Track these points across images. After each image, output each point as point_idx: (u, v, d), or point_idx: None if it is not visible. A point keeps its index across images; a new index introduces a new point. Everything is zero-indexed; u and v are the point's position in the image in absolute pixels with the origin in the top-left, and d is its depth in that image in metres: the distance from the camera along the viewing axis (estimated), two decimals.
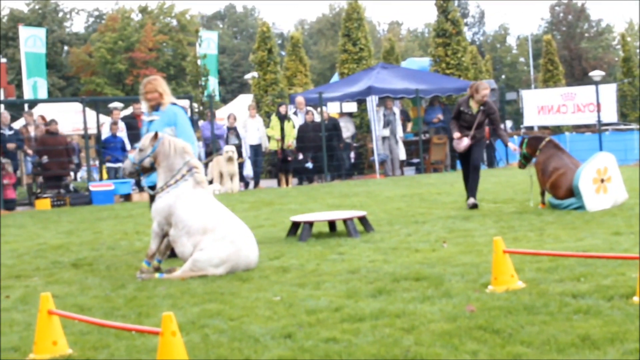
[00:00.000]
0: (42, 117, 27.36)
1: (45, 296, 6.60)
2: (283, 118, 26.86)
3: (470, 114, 15.73)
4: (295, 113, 28.48)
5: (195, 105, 28.64)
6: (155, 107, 11.44)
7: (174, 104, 11.65)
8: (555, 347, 5.86)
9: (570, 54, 72.35)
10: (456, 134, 15.76)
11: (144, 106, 11.58)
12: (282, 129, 26.70)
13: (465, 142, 15.65)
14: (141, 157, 10.45)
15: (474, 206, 15.41)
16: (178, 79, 74.65)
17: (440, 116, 30.28)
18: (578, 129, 36.71)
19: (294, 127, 26.98)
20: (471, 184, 15.68)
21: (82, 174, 28.16)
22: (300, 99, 28.92)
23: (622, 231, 11.31)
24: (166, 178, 10.27)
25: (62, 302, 8.56)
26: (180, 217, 9.97)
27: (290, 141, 26.69)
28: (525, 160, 15.86)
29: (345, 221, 12.77)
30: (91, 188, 23.47)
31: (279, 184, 27.02)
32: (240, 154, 25.94)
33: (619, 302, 7.02)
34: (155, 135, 10.44)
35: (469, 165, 15.85)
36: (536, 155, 15.39)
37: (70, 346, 6.68)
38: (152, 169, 10.53)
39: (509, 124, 35.80)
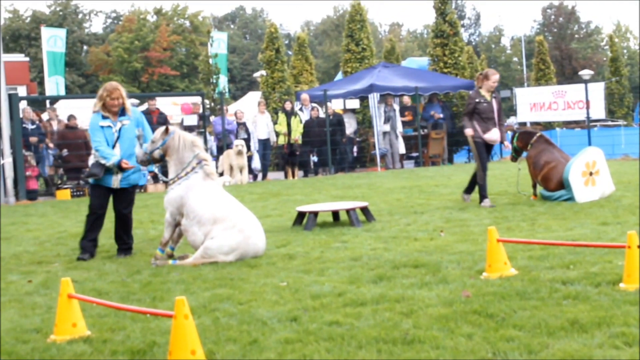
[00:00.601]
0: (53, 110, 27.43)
1: (65, 281, 6.62)
2: (289, 114, 26.87)
3: (486, 102, 14.75)
4: (300, 109, 28.46)
5: (207, 101, 28.63)
6: (119, 112, 11.08)
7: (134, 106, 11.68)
8: (546, 330, 5.86)
9: (561, 54, 72.16)
10: (469, 131, 14.77)
11: (98, 108, 10.98)
12: (288, 125, 26.72)
13: (496, 131, 14.77)
14: (152, 148, 10.50)
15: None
16: (191, 77, 74.63)
17: (437, 114, 30.22)
18: (568, 124, 36.69)
19: (300, 122, 26.97)
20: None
21: None
22: (305, 96, 28.89)
23: (609, 221, 11.32)
24: (177, 170, 10.30)
25: (81, 286, 8.59)
26: (192, 207, 9.99)
27: (297, 136, 26.69)
28: (515, 154, 15.85)
29: (348, 211, 12.78)
30: None
31: (286, 176, 27.01)
32: (249, 148, 25.93)
33: (606, 288, 7.02)
34: (167, 130, 10.49)
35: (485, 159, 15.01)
36: (527, 149, 15.38)
37: (89, 328, 6.70)
38: (161, 160, 10.59)
39: (513, 119, 35.68)
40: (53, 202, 21.75)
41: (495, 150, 31.26)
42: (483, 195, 14.59)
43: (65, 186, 23.62)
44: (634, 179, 17.60)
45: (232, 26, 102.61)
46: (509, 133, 18.56)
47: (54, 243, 12.70)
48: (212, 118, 28.25)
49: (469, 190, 15.33)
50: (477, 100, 14.83)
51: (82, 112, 26.56)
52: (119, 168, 10.91)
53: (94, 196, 11.31)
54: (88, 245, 11.14)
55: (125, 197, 11.35)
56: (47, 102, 34.73)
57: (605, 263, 8.09)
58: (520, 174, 15.57)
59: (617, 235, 9.94)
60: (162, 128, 10.62)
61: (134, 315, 6.99)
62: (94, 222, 11.28)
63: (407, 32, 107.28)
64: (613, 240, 9.51)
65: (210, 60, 30.93)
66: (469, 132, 14.88)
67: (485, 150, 15.02)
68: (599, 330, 5.78)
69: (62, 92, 30.26)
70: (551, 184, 14.50)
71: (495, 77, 14.87)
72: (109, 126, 11.00)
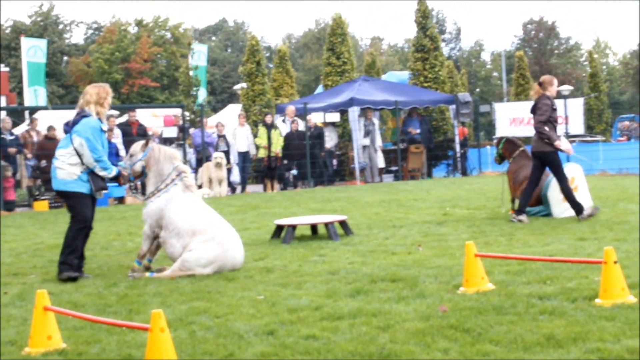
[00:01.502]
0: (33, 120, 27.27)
1: (41, 293, 6.58)
2: (269, 127, 26.91)
3: (556, 108, 14.11)
4: (284, 121, 28.46)
5: (187, 113, 28.60)
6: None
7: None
8: (522, 345, 5.87)
9: (540, 69, 72.49)
10: (558, 143, 13.59)
11: (94, 112, 10.31)
12: (269, 138, 26.74)
13: (566, 140, 14.08)
14: (132, 162, 10.51)
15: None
16: (171, 88, 74.51)
17: (414, 130, 30.27)
18: None
19: (280, 135, 26.99)
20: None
21: None
22: (291, 108, 28.85)
23: (586, 237, 11.36)
24: (157, 182, 10.30)
25: (57, 298, 8.54)
26: (171, 220, 9.97)
27: (278, 149, 26.70)
28: (500, 159, 15.89)
29: (326, 225, 12.78)
30: None
31: (265, 189, 27.00)
32: (228, 160, 25.90)
33: (582, 303, 7.04)
34: (146, 143, 10.49)
35: (541, 173, 14.01)
36: (509, 160, 15.41)
37: (64, 341, 6.66)
38: (142, 173, 10.56)
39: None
40: (31, 213, 21.66)
41: (474, 165, 31.45)
42: (578, 210, 13.58)
43: (43, 197, 23.51)
44: (612, 194, 17.70)
45: (213, 38, 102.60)
46: (488, 147, 18.58)
47: (30, 255, 12.63)
48: (191, 130, 28.22)
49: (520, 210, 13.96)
50: (554, 107, 13.98)
51: (62, 122, 26.52)
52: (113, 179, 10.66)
53: (84, 206, 10.32)
54: (75, 262, 10.18)
55: (94, 208, 10.65)
56: (27, 112, 34.60)
57: (581, 278, 8.12)
58: (504, 189, 15.58)
59: (593, 251, 9.98)
60: (141, 142, 10.64)
61: (110, 328, 6.96)
62: (85, 236, 10.46)
63: (388, 46, 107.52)
64: (590, 256, 9.54)
65: (191, 73, 30.92)
66: (559, 144, 13.70)
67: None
68: (575, 346, 5.79)
69: (43, 103, 30.12)
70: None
71: (556, 80, 14.39)
72: (104, 131, 10.45)
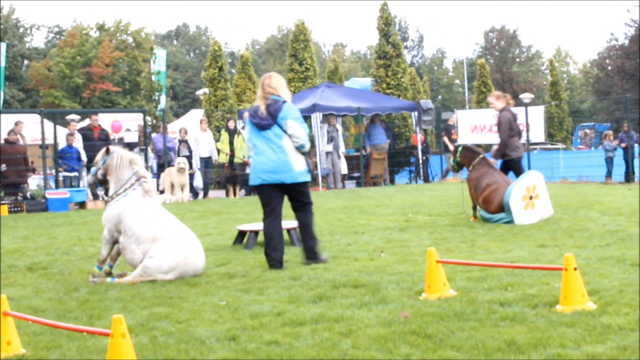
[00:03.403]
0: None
1: (0, 298, 6.52)
2: (232, 132, 26.89)
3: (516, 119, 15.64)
4: (243, 127, 28.43)
5: (148, 118, 28.49)
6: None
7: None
8: (483, 351, 5.90)
9: (502, 77, 72.93)
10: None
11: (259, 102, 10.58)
12: (231, 143, 26.71)
13: None
14: (95, 170, 10.52)
15: None
16: (133, 93, 74.19)
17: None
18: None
19: (244, 141, 26.93)
20: None
21: (38, 182, 27.83)
22: (247, 115, 28.83)
23: (547, 244, 11.43)
24: (116, 188, 10.27)
25: (17, 304, 8.47)
26: (129, 225, 9.93)
27: (243, 154, 26.64)
28: (458, 167, 16.03)
29: (289, 231, 12.77)
30: (47, 195, 23.21)
31: (227, 194, 26.94)
32: (190, 166, 25.84)
33: (542, 310, 7.09)
34: (107, 150, 10.48)
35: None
36: (469, 169, 15.49)
37: (24, 346, 6.61)
38: (106, 181, 10.54)
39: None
40: None
41: (436, 171, 31.60)
42: None
43: (3, 202, 23.30)
44: (572, 202, 17.83)
45: (175, 42, 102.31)
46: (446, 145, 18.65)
47: None
48: (153, 135, 28.13)
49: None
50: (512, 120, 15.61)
51: (24, 126, 26.32)
52: None
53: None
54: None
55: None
56: None
57: (542, 285, 8.17)
58: (464, 197, 15.67)
59: (554, 258, 10.04)
60: (104, 149, 10.63)
61: (70, 333, 6.91)
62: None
63: (350, 52, 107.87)
64: (550, 263, 9.60)
65: (153, 77, 30.82)
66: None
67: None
68: (535, 352, 5.82)
69: (0, 107, 29.85)
70: (492, 206, 14.62)
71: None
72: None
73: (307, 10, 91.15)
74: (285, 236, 12.99)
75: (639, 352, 5.66)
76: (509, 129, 15.29)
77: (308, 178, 11.00)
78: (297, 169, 10.72)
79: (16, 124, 26.29)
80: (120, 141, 27.27)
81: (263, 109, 10.48)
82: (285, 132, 10.49)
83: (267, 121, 10.47)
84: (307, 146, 10.74)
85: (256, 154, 10.61)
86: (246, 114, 27.61)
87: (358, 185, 30.02)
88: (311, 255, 10.61)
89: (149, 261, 9.71)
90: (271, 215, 10.66)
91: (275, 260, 10.37)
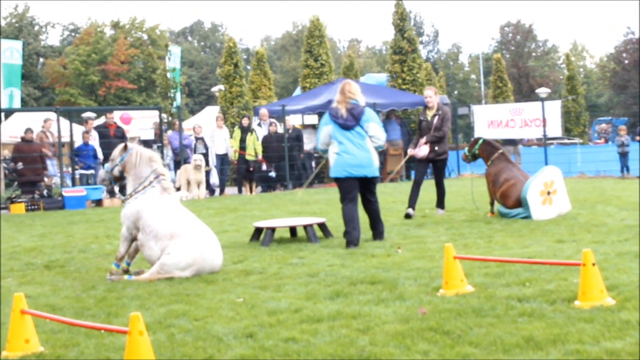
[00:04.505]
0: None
1: (18, 296, 6.55)
2: (245, 130, 26.87)
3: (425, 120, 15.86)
4: (259, 124, 28.46)
5: (164, 115, 28.54)
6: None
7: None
8: (501, 347, 5.89)
9: (518, 71, 72.66)
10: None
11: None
12: (242, 140, 26.70)
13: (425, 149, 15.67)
14: (112, 166, 10.52)
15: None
16: (148, 90, 74.30)
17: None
18: (525, 142, 36.95)
19: (257, 139, 26.93)
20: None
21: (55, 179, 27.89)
22: (264, 111, 28.85)
23: (565, 239, 11.41)
24: (135, 185, 10.28)
25: (35, 302, 8.50)
26: (148, 222, 9.94)
27: (259, 154, 26.64)
28: (472, 158, 16.00)
29: (305, 227, 12.79)
30: (64, 193, 23.29)
31: (240, 191, 26.96)
32: (207, 163, 25.88)
33: (561, 305, 7.07)
34: (125, 147, 10.49)
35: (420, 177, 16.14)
36: (488, 164, 15.46)
37: (42, 344, 6.63)
38: (121, 177, 10.55)
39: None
40: (7, 216, 21.54)
41: (453, 167, 31.54)
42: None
43: (20, 200, 23.39)
44: (590, 197, 17.78)
45: (189, 39, 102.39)
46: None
47: (7, 258, 12.56)
48: (169, 132, 28.15)
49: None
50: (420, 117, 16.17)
51: (38, 125, 26.41)
52: None
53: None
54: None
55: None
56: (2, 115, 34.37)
57: (560, 280, 8.15)
58: (473, 188, 15.70)
59: (572, 253, 10.02)
60: (121, 145, 10.64)
61: (88, 331, 6.93)
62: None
63: (365, 48, 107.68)
64: (568, 258, 9.58)
65: (168, 74, 30.84)
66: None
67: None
68: (554, 348, 5.81)
69: (18, 105, 29.95)
70: (509, 201, 14.59)
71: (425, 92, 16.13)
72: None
73: (322, 6, 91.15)
74: (302, 233, 13.04)
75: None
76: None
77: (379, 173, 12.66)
78: (376, 165, 12.32)
79: (45, 121, 26.36)
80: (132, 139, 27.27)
81: (344, 112, 12.21)
82: (366, 132, 12.16)
83: (351, 122, 12.16)
84: (385, 146, 12.45)
85: (342, 151, 12.18)
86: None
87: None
88: (380, 235, 12.57)
89: (167, 258, 9.73)
90: (352, 201, 12.26)
91: (354, 238, 11.89)
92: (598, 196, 17.91)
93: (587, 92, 61.24)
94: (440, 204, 16.25)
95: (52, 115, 26.10)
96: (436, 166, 16.02)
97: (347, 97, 12.33)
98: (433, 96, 15.85)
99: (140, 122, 34.83)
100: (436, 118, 15.62)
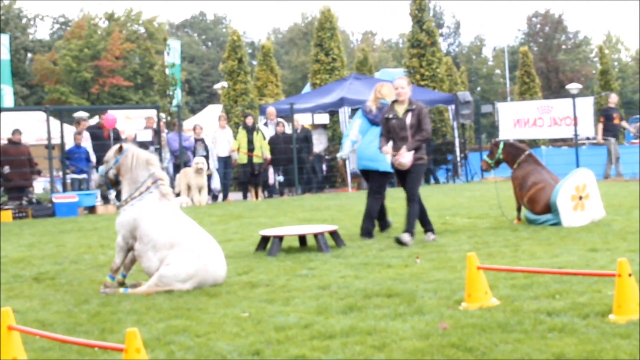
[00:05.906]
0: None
1: (5, 311, 6.56)
2: (250, 130, 26.77)
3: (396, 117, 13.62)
4: (265, 124, 28.47)
5: (162, 115, 28.53)
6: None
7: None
8: None
9: (547, 66, 72.70)
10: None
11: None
12: (250, 141, 26.63)
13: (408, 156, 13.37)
14: (105, 169, 10.50)
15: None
16: (145, 88, 74.44)
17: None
18: (554, 142, 36.89)
19: (264, 138, 26.89)
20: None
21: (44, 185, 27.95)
22: (271, 110, 28.83)
23: (598, 247, 11.38)
24: (130, 190, 10.26)
25: (23, 317, 8.52)
26: (146, 231, 9.94)
27: (265, 154, 26.57)
28: (496, 165, 15.81)
29: (316, 235, 12.77)
30: (54, 200, 23.30)
31: (245, 196, 26.96)
32: (208, 166, 25.86)
33: (594, 320, 7.06)
34: (120, 148, 10.46)
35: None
36: (513, 167, 15.40)
37: None
38: (117, 181, 10.54)
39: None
40: None
41: (475, 170, 31.50)
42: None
43: (6, 207, 23.40)
44: (625, 201, 17.74)
45: (190, 33, 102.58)
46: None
47: None
48: (168, 134, 28.11)
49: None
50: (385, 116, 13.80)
51: (26, 125, 26.46)
52: None
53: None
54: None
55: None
56: None
57: (593, 293, 8.14)
58: (500, 194, 15.65)
59: (606, 263, 10.00)
60: (116, 146, 10.60)
61: (81, 348, 6.95)
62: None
63: (381, 41, 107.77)
64: (602, 268, 9.57)
65: (167, 71, 30.86)
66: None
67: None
68: None
69: (10, 104, 30.03)
70: (538, 206, 14.56)
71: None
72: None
73: None
74: (312, 241, 13.04)
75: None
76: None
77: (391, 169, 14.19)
78: (388, 161, 13.88)
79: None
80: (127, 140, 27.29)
81: (374, 109, 14.57)
82: None
83: (379, 119, 14.20)
84: None
85: (364, 143, 14.55)
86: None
87: (391, 185, 29.89)
88: (385, 227, 15.10)
89: (166, 269, 9.72)
90: (371, 194, 14.57)
91: (366, 231, 14.18)
92: (634, 200, 17.85)
93: (622, 87, 61.13)
94: (410, 226, 13.41)
95: (41, 115, 26.14)
96: (411, 174, 13.67)
97: (377, 97, 14.82)
98: (406, 87, 13.67)
99: (130, 123, 34.69)
100: (409, 115, 13.45)
